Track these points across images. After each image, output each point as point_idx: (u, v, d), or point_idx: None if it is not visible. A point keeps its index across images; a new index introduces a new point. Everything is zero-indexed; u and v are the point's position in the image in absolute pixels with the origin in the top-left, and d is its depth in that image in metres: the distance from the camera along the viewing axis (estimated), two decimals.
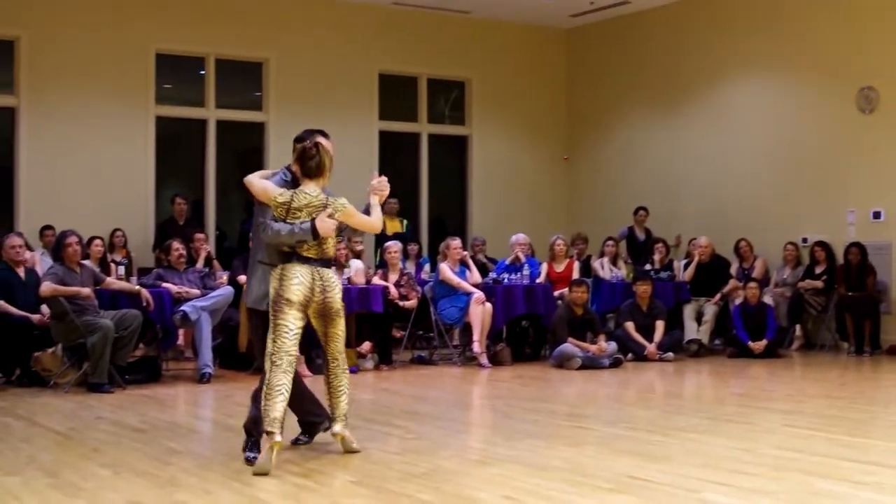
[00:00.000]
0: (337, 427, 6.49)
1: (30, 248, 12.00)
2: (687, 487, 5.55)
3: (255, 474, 5.84)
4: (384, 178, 6.75)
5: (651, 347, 12.60)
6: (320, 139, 6.56)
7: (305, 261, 6.30)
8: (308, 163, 6.42)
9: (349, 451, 6.49)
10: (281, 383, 6.08)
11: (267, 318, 6.33)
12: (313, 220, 6.26)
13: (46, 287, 10.06)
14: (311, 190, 6.39)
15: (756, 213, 15.12)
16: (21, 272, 10.75)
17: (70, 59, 14.68)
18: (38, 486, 5.70)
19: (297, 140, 6.60)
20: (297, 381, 6.46)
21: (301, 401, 6.70)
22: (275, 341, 6.18)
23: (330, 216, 6.32)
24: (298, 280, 6.23)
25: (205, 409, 9.48)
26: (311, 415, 6.89)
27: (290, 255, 6.30)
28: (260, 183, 6.54)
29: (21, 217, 14.26)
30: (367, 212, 6.67)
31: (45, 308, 10.41)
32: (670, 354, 12.66)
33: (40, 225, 13.68)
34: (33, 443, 7.27)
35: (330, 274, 6.42)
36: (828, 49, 14.51)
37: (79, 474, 5.99)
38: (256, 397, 6.38)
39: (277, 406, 6.02)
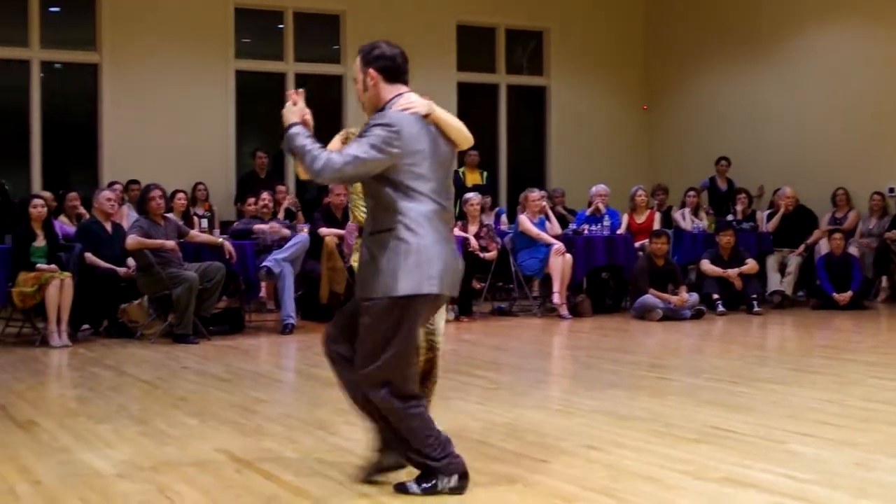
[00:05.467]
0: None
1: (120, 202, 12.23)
2: (772, 438, 5.51)
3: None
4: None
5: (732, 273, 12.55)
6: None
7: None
8: None
9: None
10: None
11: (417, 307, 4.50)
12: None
13: (132, 240, 10.22)
14: None
15: (841, 163, 14.83)
16: (108, 226, 10.92)
17: (150, 15, 14.81)
18: (128, 433, 5.82)
19: None
20: None
21: None
22: None
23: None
24: None
25: (287, 360, 9.59)
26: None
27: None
28: None
29: (105, 172, 14.46)
30: None
31: (130, 261, 10.58)
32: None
33: (123, 179, 13.84)
34: (122, 392, 7.41)
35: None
36: None
37: (167, 422, 6.10)
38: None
39: None
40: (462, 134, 4.74)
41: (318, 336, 10.53)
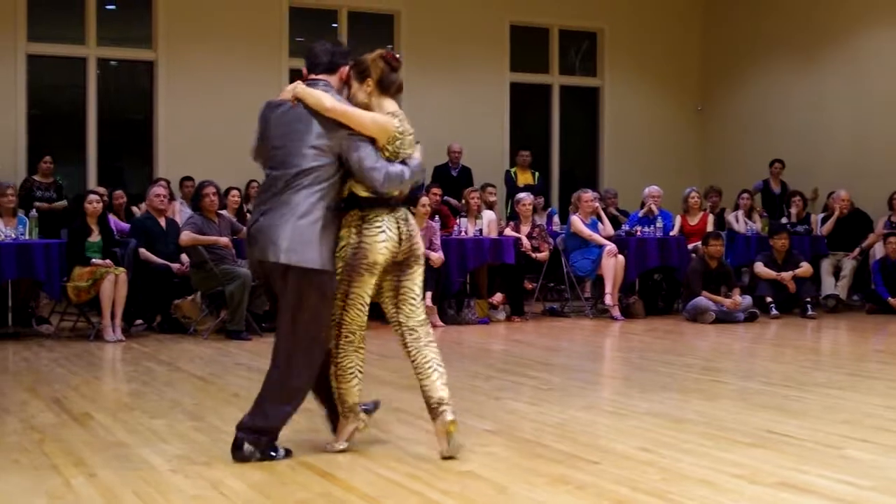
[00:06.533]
0: (448, 415, 5.02)
1: (171, 198, 12.30)
2: (827, 443, 5.45)
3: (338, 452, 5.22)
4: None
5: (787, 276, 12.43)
6: None
7: (393, 205, 5.16)
8: (396, 77, 5.25)
9: (447, 456, 5.06)
10: (353, 364, 5.18)
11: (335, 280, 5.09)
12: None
13: (186, 236, 10.30)
14: (397, 110, 5.24)
15: None
16: (162, 222, 11.00)
17: (206, 14, 14.93)
18: (182, 428, 5.86)
19: (341, 54, 5.32)
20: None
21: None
22: (347, 312, 5.13)
23: None
24: (385, 234, 5.06)
25: None
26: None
27: (373, 199, 5.10)
28: (370, 115, 5.12)
29: (159, 169, 14.60)
30: None
31: (184, 257, 10.66)
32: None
33: (178, 176, 13.96)
34: (176, 387, 7.46)
35: (409, 213, 5.29)
36: None
37: (221, 419, 6.13)
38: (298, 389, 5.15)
39: (353, 390, 5.20)
40: (316, 103, 5.10)
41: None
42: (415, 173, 5.16)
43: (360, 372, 5.22)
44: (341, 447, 5.24)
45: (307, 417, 6.05)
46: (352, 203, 5.11)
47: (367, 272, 5.05)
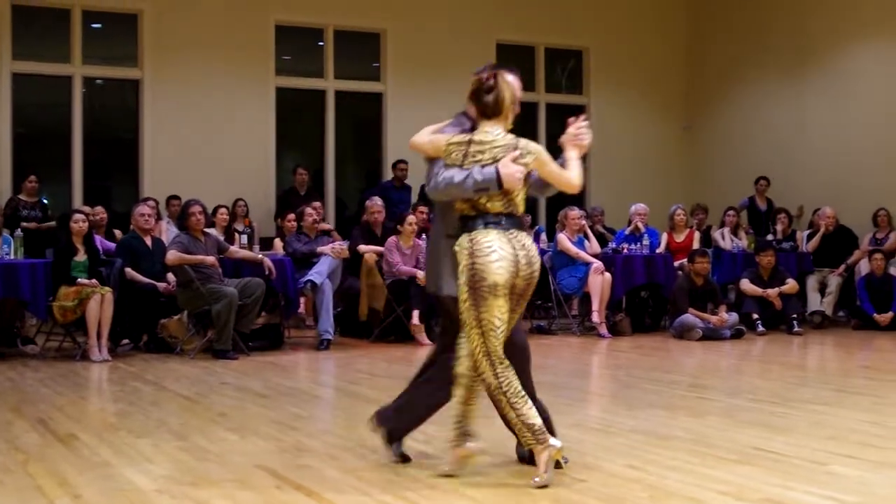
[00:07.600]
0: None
1: (157, 217, 12.28)
2: (813, 459, 5.46)
3: (540, 487, 4.84)
4: (584, 124, 5.39)
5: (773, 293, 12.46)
6: (501, 71, 5.15)
7: (495, 223, 4.92)
8: (485, 97, 5.06)
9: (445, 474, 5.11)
10: (520, 386, 4.94)
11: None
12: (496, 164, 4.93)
13: (172, 255, 10.27)
14: (492, 129, 5.06)
15: (882, 183, 14.67)
16: (148, 241, 10.99)
17: (191, 32, 14.92)
18: (168, 448, 5.83)
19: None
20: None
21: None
22: (488, 340, 4.87)
23: (515, 160, 4.92)
24: (497, 254, 4.84)
25: (326, 376, 9.59)
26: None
27: (476, 217, 4.93)
28: (427, 137, 5.18)
29: (145, 187, 14.57)
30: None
31: (170, 276, 10.63)
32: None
33: (164, 195, 13.94)
34: (162, 407, 7.44)
35: (529, 239, 5.04)
36: None
37: (207, 438, 6.11)
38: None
39: (532, 412, 4.93)
40: None
41: (356, 353, 10.60)
42: (472, 179, 4.88)
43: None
44: (542, 481, 4.88)
45: (293, 436, 6.05)
46: (467, 223, 4.99)
47: (491, 295, 4.82)
